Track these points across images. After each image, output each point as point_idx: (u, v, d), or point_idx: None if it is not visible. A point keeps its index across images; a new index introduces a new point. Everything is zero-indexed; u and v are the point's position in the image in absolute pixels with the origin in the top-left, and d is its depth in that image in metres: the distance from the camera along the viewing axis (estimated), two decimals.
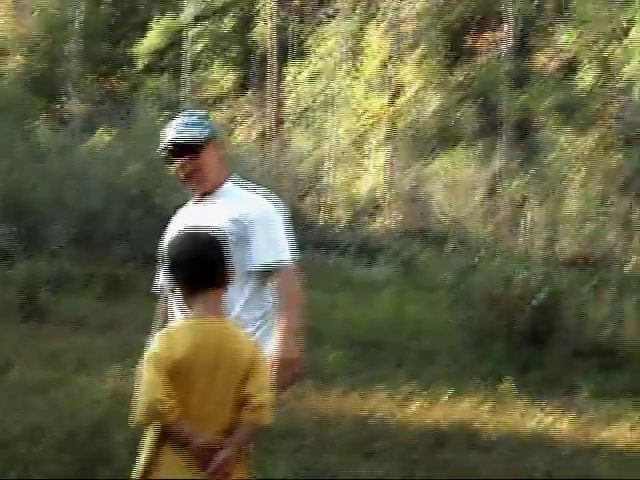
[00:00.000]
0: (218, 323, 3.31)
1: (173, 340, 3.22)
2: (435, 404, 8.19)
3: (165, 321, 3.97)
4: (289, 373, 3.92)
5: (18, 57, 41.25)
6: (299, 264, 4.15)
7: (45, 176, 18.67)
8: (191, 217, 4.14)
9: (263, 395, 3.29)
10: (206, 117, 4.37)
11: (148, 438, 3.25)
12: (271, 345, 3.89)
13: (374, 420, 7.57)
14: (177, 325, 3.43)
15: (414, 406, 8.06)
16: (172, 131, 4.27)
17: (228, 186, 4.21)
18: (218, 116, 39.84)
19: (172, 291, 3.49)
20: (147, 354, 3.22)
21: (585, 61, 31.88)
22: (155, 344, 3.24)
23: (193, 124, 4.26)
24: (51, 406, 7.04)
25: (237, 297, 3.92)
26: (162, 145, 4.33)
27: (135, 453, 3.38)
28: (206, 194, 4.19)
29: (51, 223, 17.94)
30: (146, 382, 3.17)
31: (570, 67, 32.88)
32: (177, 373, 3.15)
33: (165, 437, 3.19)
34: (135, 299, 13.74)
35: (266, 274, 4.05)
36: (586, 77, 31.84)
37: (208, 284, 3.31)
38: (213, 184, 4.19)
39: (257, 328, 3.97)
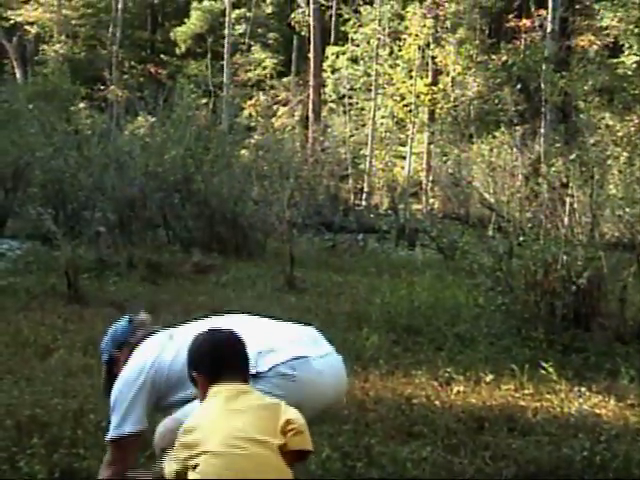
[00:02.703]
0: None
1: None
2: (475, 388, 8.18)
3: None
4: None
5: (60, 43, 41.53)
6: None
7: (86, 162, 18.81)
8: None
9: (301, 420, 3.38)
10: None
11: None
12: None
13: (414, 404, 7.58)
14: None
15: (454, 390, 8.05)
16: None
17: None
18: (258, 100, 39.94)
19: (195, 385, 3.63)
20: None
21: (628, 43, 31.54)
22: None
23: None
24: (93, 390, 7.11)
25: None
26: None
27: None
28: None
29: (92, 208, 18.12)
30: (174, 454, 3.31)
31: (613, 49, 32.58)
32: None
33: None
34: (175, 283, 13.85)
35: None
36: (629, 59, 31.53)
37: (228, 375, 3.44)
38: None
39: None
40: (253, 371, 3.91)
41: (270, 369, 3.97)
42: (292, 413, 3.38)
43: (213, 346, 3.56)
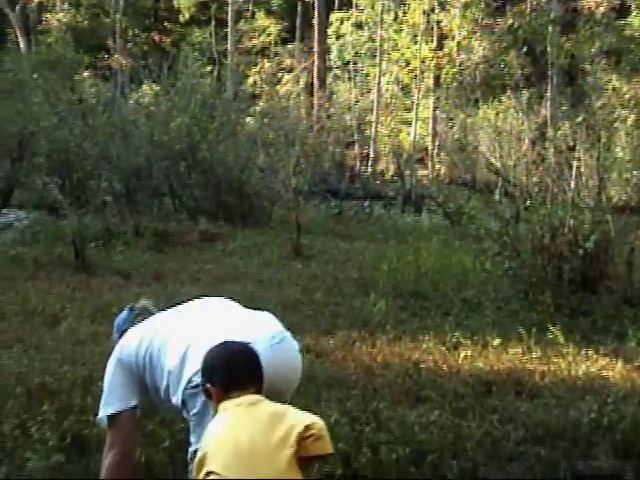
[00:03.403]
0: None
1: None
2: (483, 352, 8.19)
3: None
4: None
5: (63, 12, 41.38)
6: None
7: (91, 131, 18.79)
8: None
9: (319, 424, 3.37)
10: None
11: None
12: None
13: (422, 369, 7.61)
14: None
15: (462, 354, 8.07)
16: None
17: None
18: (263, 67, 39.80)
19: (208, 397, 3.63)
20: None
21: (635, 4, 31.32)
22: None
23: None
24: (101, 357, 7.14)
25: None
26: None
27: None
28: None
29: (98, 178, 18.12)
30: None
31: (620, 10, 32.34)
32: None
33: None
34: (181, 252, 13.88)
35: None
36: (635, 21, 31.31)
37: (241, 387, 3.45)
38: None
39: None
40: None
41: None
42: (309, 418, 3.37)
43: (227, 358, 3.58)
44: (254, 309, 4.54)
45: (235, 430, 3.31)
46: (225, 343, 3.67)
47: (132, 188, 17.93)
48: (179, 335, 4.23)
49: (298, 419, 3.34)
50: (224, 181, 17.92)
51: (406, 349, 8.24)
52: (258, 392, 3.49)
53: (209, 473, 3.24)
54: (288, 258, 13.52)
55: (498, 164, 19.07)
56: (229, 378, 3.49)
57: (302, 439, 3.28)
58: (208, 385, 3.55)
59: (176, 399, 4.07)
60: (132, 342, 4.50)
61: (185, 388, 4.01)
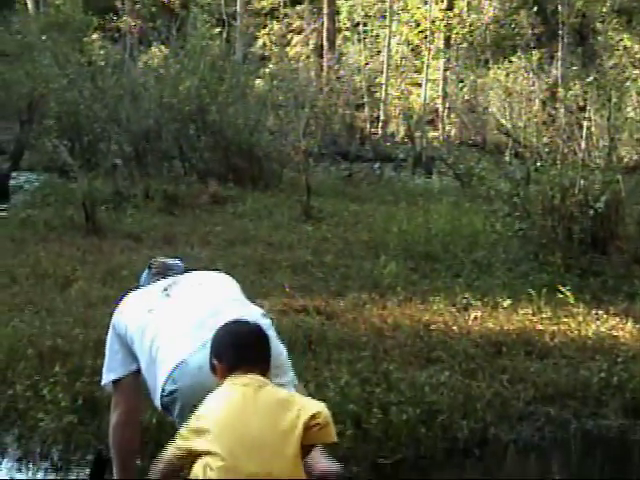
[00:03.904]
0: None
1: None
2: (493, 313, 8.20)
3: None
4: None
5: None
6: None
7: (101, 93, 18.75)
8: None
9: (324, 412, 3.35)
10: None
11: None
12: None
13: (432, 330, 7.62)
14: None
15: (472, 316, 8.08)
16: None
17: None
18: (272, 29, 39.60)
19: (214, 372, 3.59)
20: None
21: None
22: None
23: None
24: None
25: None
26: None
27: None
28: None
29: (108, 140, 18.10)
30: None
31: None
32: None
33: None
34: (191, 214, 13.88)
35: None
36: None
37: (248, 367, 3.43)
38: None
39: None
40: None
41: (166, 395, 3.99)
42: (315, 406, 3.34)
43: (236, 338, 3.57)
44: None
45: (242, 414, 3.28)
46: (237, 322, 3.67)
47: (142, 151, 17.91)
48: (153, 332, 4.19)
49: (304, 407, 3.32)
50: (234, 143, 17.86)
51: (416, 311, 8.26)
52: (263, 374, 3.47)
53: (210, 453, 3.21)
54: (298, 220, 13.51)
55: (508, 125, 19.01)
56: (236, 358, 3.48)
57: (307, 428, 3.28)
58: (215, 362, 3.54)
59: (157, 403, 4.09)
60: (123, 316, 4.49)
61: (161, 397, 4.01)
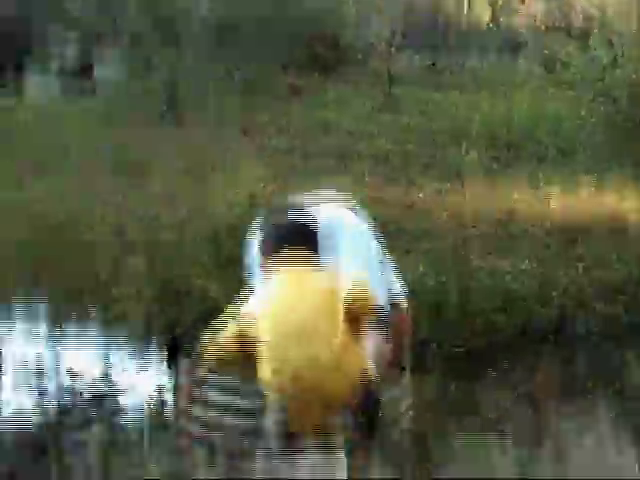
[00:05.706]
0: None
1: None
2: (574, 200, 8.11)
3: None
4: None
5: None
6: None
7: None
8: None
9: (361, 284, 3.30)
10: None
11: None
12: None
13: (513, 219, 7.57)
14: None
15: (553, 203, 8.00)
16: None
17: None
18: None
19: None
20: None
21: None
22: None
23: None
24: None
25: None
26: None
27: None
28: None
29: None
30: None
31: None
32: None
33: None
34: (269, 104, 13.73)
35: None
36: None
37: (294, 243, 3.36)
38: None
39: None
40: None
41: None
42: (354, 283, 3.29)
43: (276, 228, 3.51)
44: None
45: (284, 307, 3.26)
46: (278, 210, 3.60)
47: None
48: None
49: (343, 287, 3.29)
50: (316, 32, 17.68)
51: (497, 199, 8.20)
52: (309, 258, 3.40)
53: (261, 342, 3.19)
54: (380, 111, 13.40)
55: (596, 9, 18.49)
56: (276, 247, 3.43)
57: (348, 305, 3.26)
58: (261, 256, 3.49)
59: None
60: None
61: None
